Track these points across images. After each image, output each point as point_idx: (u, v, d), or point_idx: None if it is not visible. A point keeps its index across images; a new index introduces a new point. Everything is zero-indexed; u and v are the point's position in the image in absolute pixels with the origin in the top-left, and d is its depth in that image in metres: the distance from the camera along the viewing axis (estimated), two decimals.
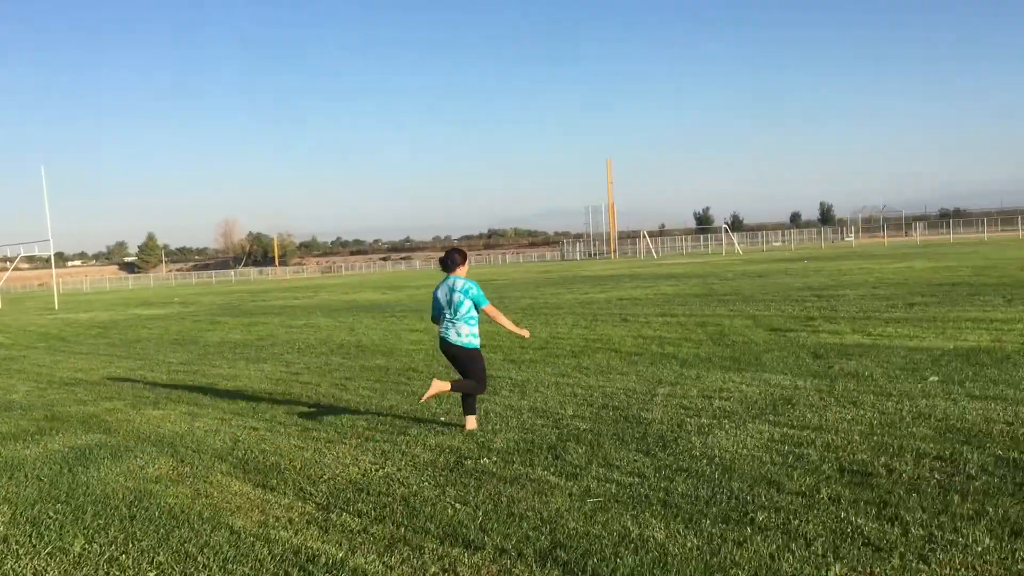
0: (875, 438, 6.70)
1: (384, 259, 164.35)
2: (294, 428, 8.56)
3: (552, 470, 6.34)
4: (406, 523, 5.36)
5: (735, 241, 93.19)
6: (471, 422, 7.92)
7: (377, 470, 6.68)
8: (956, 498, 5.17)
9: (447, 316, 8.07)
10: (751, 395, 8.75)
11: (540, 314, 20.33)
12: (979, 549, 4.41)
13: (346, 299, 34.20)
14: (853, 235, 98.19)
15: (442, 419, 8.53)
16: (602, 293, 27.44)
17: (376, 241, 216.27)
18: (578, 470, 6.29)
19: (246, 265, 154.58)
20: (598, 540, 4.85)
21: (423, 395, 7.98)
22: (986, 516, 4.85)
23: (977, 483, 5.43)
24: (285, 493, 6.20)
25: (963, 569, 4.19)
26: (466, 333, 8.05)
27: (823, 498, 5.33)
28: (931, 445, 6.38)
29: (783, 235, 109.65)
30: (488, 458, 6.80)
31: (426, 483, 6.22)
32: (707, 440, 6.95)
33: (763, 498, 5.39)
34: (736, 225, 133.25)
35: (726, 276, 33.80)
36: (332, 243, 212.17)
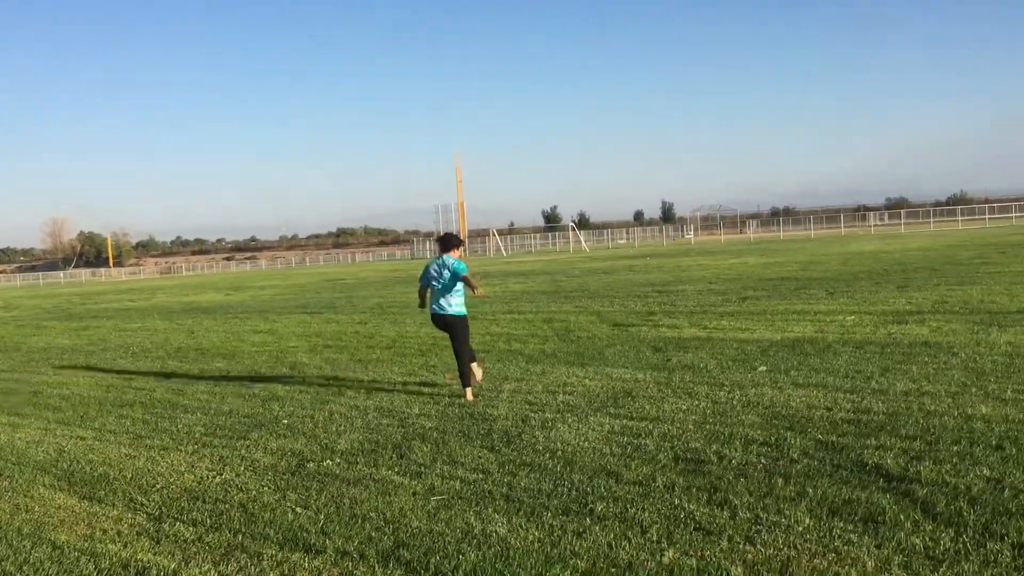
0: (708, 427, 6.99)
1: (228, 259, 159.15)
2: (125, 436, 8.17)
3: (396, 469, 6.31)
4: (244, 530, 5.21)
5: (582, 239, 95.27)
6: (470, 393, 8.93)
7: (214, 477, 6.46)
8: (780, 481, 5.45)
9: (438, 288, 9.20)
10: (594, 389, 8.96)
11: (388, 313, 20.18)
12: (800, 529, 4.67)
13: (186, 301, 32.92)
14: (692, 233, 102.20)
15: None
16: None
17: (219, 240, 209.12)
18: (422, 468, 6.28)
19: (77, 266, 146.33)
20: (441, 537, 4.86)
21: (475, 380, 9.25)
22: (807, 497, 5.14)
23: (799, 466, 5.75)
24: (114, 504, 5.91)
25: (786, 548, 4.43)
26: (455, 303, 9.22)
27: (658, 486, 5.52)
28: (758, 432, 6.71)
29: (627, 233, 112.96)
30: (331, 460, 6.70)
31: (266, 488, 6.07)
32: (550, 434, 7.07)
33: (602, 489, 5.54)
34: (583, 223, 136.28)
35: (573, 273, 34.52)
36: (172, 243, 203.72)
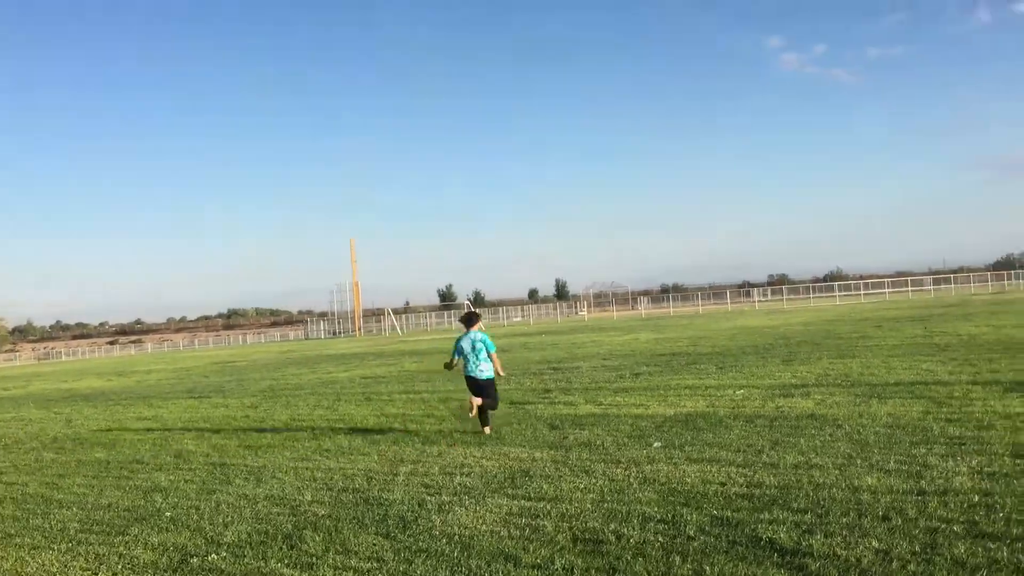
0: (605, 505, 6.98)
1: (111, 343, 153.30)
2: None
3: (286, 562, 6.05)
4: None
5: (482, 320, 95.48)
6: (487, 430, 11.32)
7: None
8: (677, 559, 5.45)
9: (471, 360, 11.50)
10: (491, 469, 8.86)
11: (280, 396, 19.66)
12: None
13: (65, 388, 31.42)
14: (585, 309, 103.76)
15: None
16: (345, 372, 27.04)
17: (102, 324, 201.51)
18: (314, 559, 6.04)
19: None
20: None
21: (471, 410, 11.31)
22: (703, 575, 5.14)
23: (695, 543, 5.77)
24: None
25: None
26: (486, 369, 11.50)
27: (557, 569, 5.45)
28: (655, 509, 6.73)
29: (522, 310, 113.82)
30: (216, 554, 6.38)
31: None
32: (447, 518, 6.93)
33: (500, 574, 5.42)
34: (478, 301, 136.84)
35: None
36: (51, 327, 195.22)
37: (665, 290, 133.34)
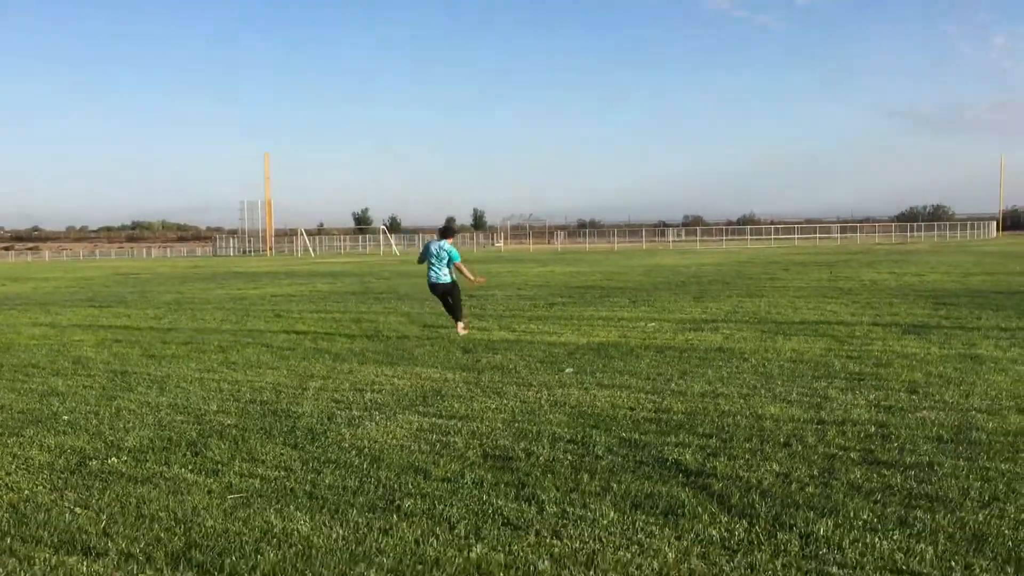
0: (516, 425, 7.01)
1: (7, 248, 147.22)
2: None
3: (190, 468, 5.91)
4: (13, 532, 4.71)
5: (392, 242, 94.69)
6: (461, 327, 13.22)
7: None
8: (586, 477, 5.52)
9: (434, 264, 13.47)
10: (402, 388, 8.82)
11: (186, 309, 19.18)
12: (605, 522, 4.72)
13: None
14: (502, 241, 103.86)
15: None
16: (255, 289, 26.53)
17: None
18: (219, 466, 5.92)
19: None
20: (238, 537, 4.57)
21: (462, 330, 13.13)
22: (611, 492, 5.22)
23: (603, 462, 5.84)
24: None
25: (591, 541, 4.46)
26: (446, 274, 13.48)
27: (467, 483, 5.45)
28: (565, 430, 6.79)
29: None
30: (117, 458, 6.20)
31: (40, 487, 5.53)
32: (357, 431, 6.87)
33: (410, 485, 5.41)
34: (394, 227, 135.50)
35: (383, 275, 34.16)
36: None
37: (582, 225, 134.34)
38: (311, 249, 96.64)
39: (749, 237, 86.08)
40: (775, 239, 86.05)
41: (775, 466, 5.68)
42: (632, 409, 7.53)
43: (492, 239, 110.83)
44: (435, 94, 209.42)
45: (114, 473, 5.81)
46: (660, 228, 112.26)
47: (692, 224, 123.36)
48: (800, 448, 6.11)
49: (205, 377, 9.77)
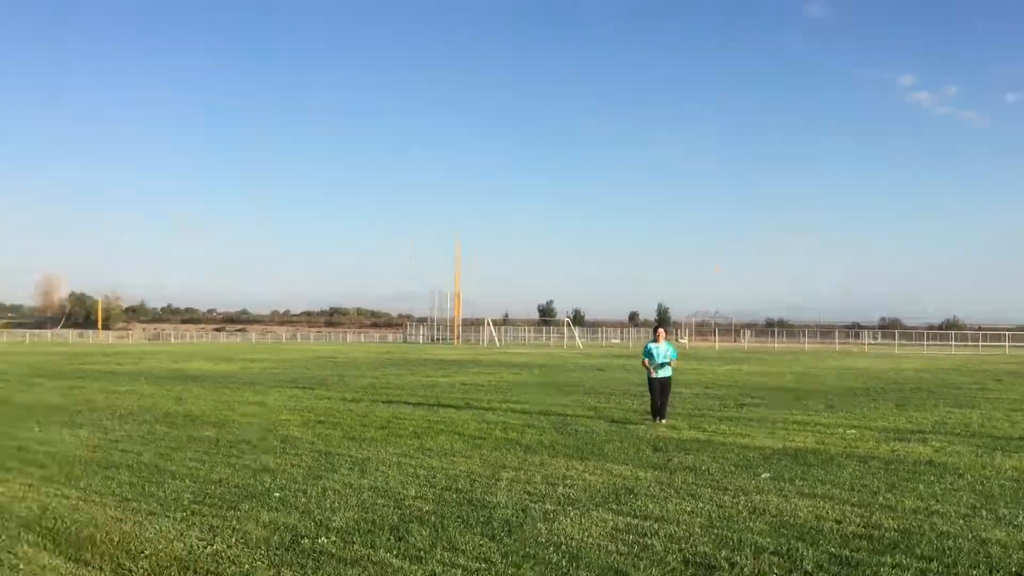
0: (715, 531, 6.79)
1: (218, 330, 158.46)
2: (111, 498, 7.91)
3: (394, 553, 6.08)
4: None
5: (576, 335, 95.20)
6: (663, 422, 14.06)
7: (205, 547, 6.22)
8: None
9: (659, 363, 14.36)
10: (594, 483, 8.75)
11: (382, 393, 19.94)
12: None
13: (174, 368, 32.58)
14: (687, 337, 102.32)
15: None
16: (445, 377, 27.27)
17: (210, 311, 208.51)
18: (422, 553, 6.05)
19: (65, 327, 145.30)
20: None
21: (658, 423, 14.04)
22: None
23: None
24: (101, 569, 5.67)
25: None
26: (669, 371, 14.63)
27: None
28: (767, 540, 6.51)
29: (622, 332, 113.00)
30: (327, 537, 6.46)
31: (259, 563, 5.83)
32: (552, 527, 6.86)
33: None
34: (577, 320, 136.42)
35: (568, 368, 34.31)
36: (162, 310, 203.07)
37: (770, 324, 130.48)
38: (497, 339, 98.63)
39: (953, 343, 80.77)
40: (982, 346, 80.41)
41: None
42: (839, 522, 7.14)
43: (676, 335, 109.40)
44: (622, 189, 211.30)
45: (324, 553, 6.05)
46: (854, 330, 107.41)
47: (889, 327, 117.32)
48: (1013, 573, 5.58)
49: (403, 462, 10.07)
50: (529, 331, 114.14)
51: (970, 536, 6.72)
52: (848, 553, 6.18)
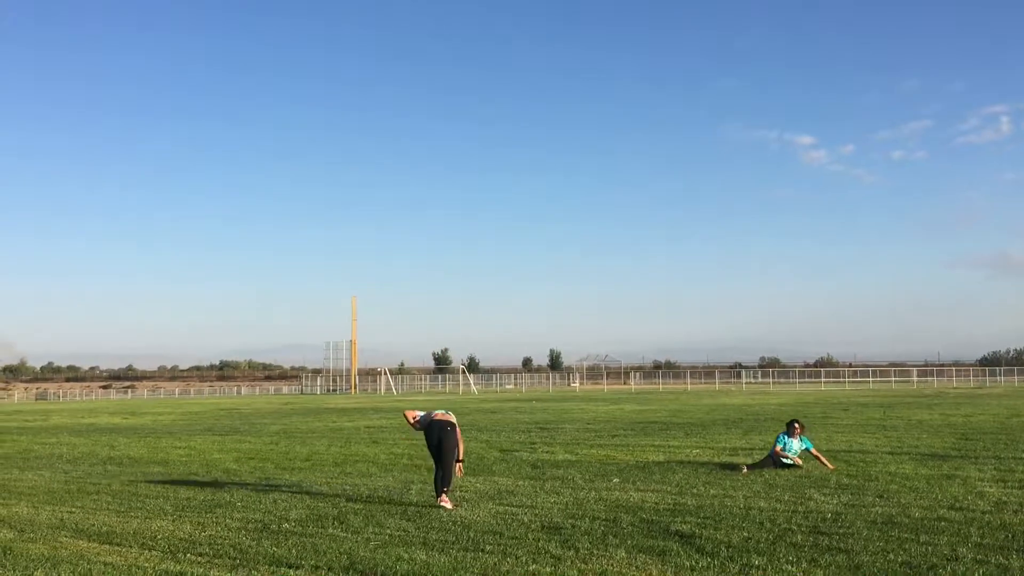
0: (568, 511, 9.56)
1: (105, 387, 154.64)
2: (109, 511, 10.19)
3: (340, 529, 8.65)
4: (239, 557, 7.43)
5: (471, 381, 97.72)
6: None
7: (201, 532, 8.64)
8: (611, 536, 8.03)
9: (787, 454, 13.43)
10: (483, 489, 11.42)
11: (295, 437, 22.13)
12: (617, 558, 7.21)
13: (86, 423, 33.76)
14: (577, 381, 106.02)
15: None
16: (350, 422, 29.48)
17: (93, 368, 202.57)
18: (359, 529, 8.62)
19: None
20: (384, 563, 7.21)
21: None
22: (625, 544, 7.70)
23: (625, 530, 8.35)
24: (131, 547, 8.04)
25: (607, 567, 6.95)
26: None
27: (529, 539, 8.01)
28: (602, 512, 9.33)
29: (516, 378, 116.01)
30: (288, 524, 8.94)
31: (244, 538, 8.27)
32: (452, 514, 9.51)
33: (489, 542, 7.99)
34: (472, 367, 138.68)
35: (463, 411, 36.85)
36: (42, 368, 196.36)
37: (658, 366, 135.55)
38: (394, 388, 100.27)
39: (823, 380, 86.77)
40: (850, 382, 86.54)
41: (744, 533, 8.11)
42: (656, 503, 10.01)
43: (568, 379, 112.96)
44: (514, 239, 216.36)
45: (289, 532, 8.56)
46: (735, 370, 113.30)
47: (768, 366, 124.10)
48: (761, 523, 8.51)
49: (331, 481, 12.54)
50: (425, 379, 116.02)
51: (743, 505, 9.66)
52: (655, 517, 9.02)
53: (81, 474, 14.37)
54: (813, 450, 13.54)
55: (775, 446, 13.61)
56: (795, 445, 13.50)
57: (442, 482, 10.19)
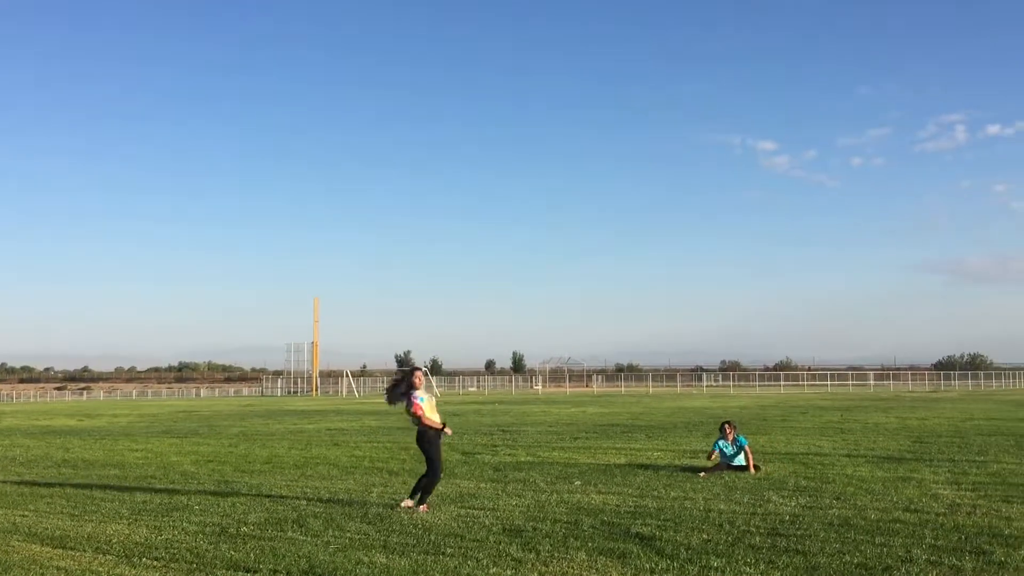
0: (529, 513, 9.56)
1: (60, 388, 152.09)
2: (63, 515, 10.00)
3: (299, 533, 8.57)
4: (195, 561, 7.34)
5: (434, 384, 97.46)
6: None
7: (157, 536, 8.52)
8: (571, 539, 8.05)
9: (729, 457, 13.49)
10: (445, 492, 11.38)
11: (255, 439, 21.91)
12: (578, 560, 7.23)
13: (40, 425, 33.19)
14: (540, 384, 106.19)
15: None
16: (311, 424, 29.27)
17: (48, 369, 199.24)
18: (319, 532, 8.55)
19: None
20: (343, 568, 7.16)
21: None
22: (586, 547, 7.72)
23: (586, 532, 8.37)
24: (84, 551, 7.90)
25: (568, 569, 6.96)
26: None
27: (490, 542, 8.00)
28: (564, 515, 9.35)
29: (478, 380, 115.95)
30: (246, 528, 8.85)
31: (201, 542, 8.17)
32: (412, 517, 9.47)
33: (452, 544, 7.97)
34: (435, 369, 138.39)
35: None
36: None
37: (620, 369, 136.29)
38: (355, 390, 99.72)
39: (782, 383, 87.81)
40: (808, 385, 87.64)
41: (703, 535, 8.17)
42: (617, 505, 10.04)
43: (531, 382, 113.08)
44: (477, 242, 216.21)
45: (248, 536, 8.47)
46: (697, 373, 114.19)
47: (728, 369, 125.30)
48: (720, 525, 8.58)
49: (291, 484, 12.43)
50: (387, 381, 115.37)
51: (702, 507, 9.73)
52: (616, 520, 9.05)
53: (35, 476, 14.11)
54: (747, 447, 13.55)
55: (711, 451, 13.76)
56: (729, 447, 13.52)
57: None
